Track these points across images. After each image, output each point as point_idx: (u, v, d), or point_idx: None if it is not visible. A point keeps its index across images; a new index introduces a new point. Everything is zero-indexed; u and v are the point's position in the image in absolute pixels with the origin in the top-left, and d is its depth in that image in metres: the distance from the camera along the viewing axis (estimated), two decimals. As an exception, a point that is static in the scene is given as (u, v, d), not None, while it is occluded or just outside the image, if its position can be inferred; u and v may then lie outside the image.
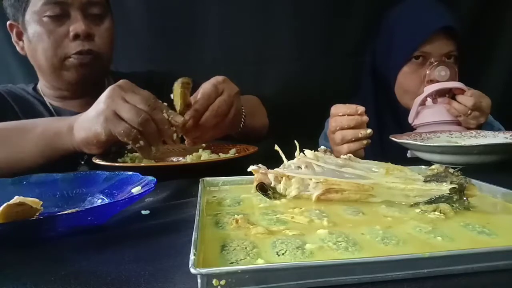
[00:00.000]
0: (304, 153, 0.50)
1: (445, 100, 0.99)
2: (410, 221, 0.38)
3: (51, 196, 0.50)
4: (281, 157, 0.51)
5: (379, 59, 1.13)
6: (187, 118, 0.70)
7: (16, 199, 0.39)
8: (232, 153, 0.81)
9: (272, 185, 0.49)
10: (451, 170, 0.45)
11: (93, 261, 0.33)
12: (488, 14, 1.34)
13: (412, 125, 1.03)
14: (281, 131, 1.35)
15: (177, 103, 0.71)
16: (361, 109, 0.78)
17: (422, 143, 0.74)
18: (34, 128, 0.74)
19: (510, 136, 0.81)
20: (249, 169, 0.50)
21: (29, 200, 0.40)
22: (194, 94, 0.74)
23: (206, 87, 0.74)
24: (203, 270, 0.25)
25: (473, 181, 0.44)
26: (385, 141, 0.82)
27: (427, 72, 1.01)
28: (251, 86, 1.39)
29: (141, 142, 0.67)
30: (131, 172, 0.52)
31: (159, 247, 0.36)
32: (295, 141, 0.51)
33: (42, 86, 0.97)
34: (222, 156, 0.80)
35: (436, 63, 1.00)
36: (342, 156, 0.51)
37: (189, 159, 0.81)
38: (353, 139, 0.78)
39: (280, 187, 0.48)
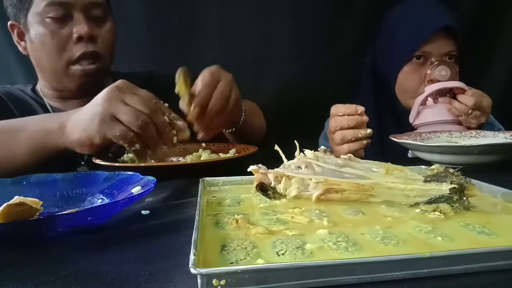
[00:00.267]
0: (304, 153, 0.50)
1: (446, 99, 0.99)
2: (410, 221, 0.38)
3: (51, 196, 0.50)
4: (281, 157, 0.51)
5: (379, 59, 1.13)
6: (193, 107, 0.70)
7: (16, 199, 0.39)
8: (232, 153, 0.81)
9: (272, 185, 0.49)
10: (451, 170, 0.45)
11: (93, 261, 0.33)
12: (488, 14, 1.34)
13: (413, 124, 1.03)
14: (281, 131, 1.35)
15: (184, 94, 0.71)
16: (361, 109, 0.78)
17: (422, 143, 0.74)
18: (25, 127, 0.73)
19: (510, 136, 0.81)
20: (249, 169, 0.50)
21: (29, 200, 0.40)
22: (193, 86, 0.73)
23: (204, 76, 0.74)
24: (203, 270, 0.25)
25: (473, 181, 0.44)
26: (385, 141, 0.82)
27: (428, 72, 1.00)
28: (251, 86, 1.39)
29: (137, 146, 0.65)
30: (131, 172, 0.52)
31: (159, 247, 0.36)
32: (295, 141, 0.51)
33: (42, 86, 0.97)
34: (222, 156, 0.80)
35: (436, 62, 1.00)
36: (342, 156, 0.51)
37: (189, 159, 0.81)
38: (353, 139, 0.78)
39: (280, 187, 0.48)
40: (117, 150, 0.81)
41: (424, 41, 1.01)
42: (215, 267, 0.26)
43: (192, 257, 0.27)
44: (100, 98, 0.66)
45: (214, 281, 0.25)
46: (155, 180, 0.47)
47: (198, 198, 0.44)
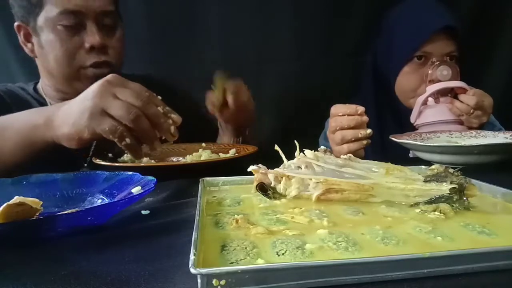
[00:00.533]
0: (304, 153, 0.50)
1: (447, 99, 0.99)
2: (410, 221, 0.38)
3: (51, 196, 0.50)
4: (281, 157, 0.51)
5: (380, 59, 1.13)
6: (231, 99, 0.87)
7: (16, 199, 0.39)
8: (232, 153, 0.81)
9: (272, 185, 0.49)
10: (451, 170, 0.45)
11: (93, 261, 0.33)
12: (488, 14, 1.34)
13: (414, 124, 1.02)
14: (281, 131, 1.35)
15: (218, 97, 0.79)
16: (361, 109, 0.78)
17: (422, 143, 0.75)
18: (12, 124, 0.72)
19: (510, 136, 0.81)
20: (249, 169, 0.50)
21: (29, 200, 0.40)
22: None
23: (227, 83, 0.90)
24: (203, 270, 0.25)
25: (473, 181, 0.44)
26: (386, 141, 0.82)
27: (429, 72, 1.00)
28: (251, 86, 1.39)
29: (127, 140, 0.63)
30: (131, 172, 0.52)
31: (159, 247, 0.36)
32: (295, 141, 0.51)
33: (44, 86, 0.96)
34: (222, 156, 0.80)
35: (437, 62, 1.00)
36: (342, 156, 0.51)
37: (189, 159, 0.81)
38: (353, 139, 0.78)
39: (280, 187, 0.48)
40: (117, 150, 0.81)
41: (425, 41, 1.01)
42: (215, 267, 0.26)
43: (192, 257, 0.27)
44: (90, 92, 0.64)
45: (214, 281, 0.25)
46: (155, 180, 0.47)
47: (198, 198, 0.44)
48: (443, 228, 0.36)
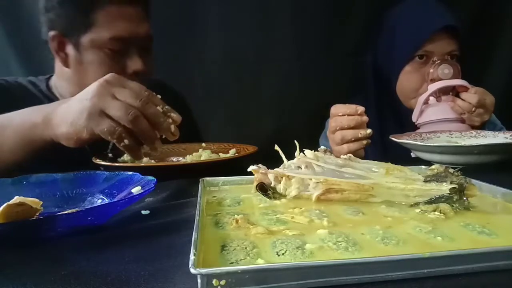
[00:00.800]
0: (304, 153, 0.50)
1: (448, 98, 0.99)
2: (410, 221, 0.38)
3: (51, 196, 0.50)
4: (281, 157, 0.51)
5: (381, 58, 1.13)
6: None
7: (16, 199, 0.39)
8: (232, 153, 0.81)
9: (272, 185, 0.49)
10: (451, 170, 0.45)
11: (93, 261, 0.33)
12: (488, 14, 1.34)
13: (416, 123, 1.02)
14: (281, 131, 1.35)
15: None
16: (361, 109, 0.78)
17: (422, 143, 0.74)
18: (10, 122, 0.71)
19: (510, 136, 0.81)
20: (249, 169, 0.50)
21: (29, 200, 0.40)
22: None
23: None
24: (203, 270, 0.25)
25: (473, 181, 0.44)
26: (387, 141, 0.82)
27: (430, 71, 1.00)
28: (251, 86, 1.39)
29: (126, 141, 0.63)
30: (131, 172, 0.52)
31: (159, 247, 0.36)
32: (295, 141, 0.51)
33: (61, 87, 0.95)
34: (222, 156, 0.80)
35: (438, 61, 1.00)
36: (342, 156, 0.51)
37: (189, 159, 0.81)
38: (353, 139, 0.78)
39: (280, 187, 0.48)
40: (117, 152, 0.81)
41: (426, 40, 1.01)
42: (215, 267, 0.26)
43: (192, 257, 0.27)
44: (89, 92, 0.64)
45: (214, 281, 0.25)
46: (155, 180, 0.47)
47: (198, 198, 0.44)
48: (443, 228, 0.36)
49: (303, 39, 1.36)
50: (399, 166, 0.48)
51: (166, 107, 0.66)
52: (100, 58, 0.86)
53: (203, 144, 0.89)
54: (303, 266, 0.27)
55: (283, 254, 0.31)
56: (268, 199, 0.47)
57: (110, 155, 0.80)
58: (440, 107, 0.99)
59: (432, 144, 0.73)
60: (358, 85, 1.22)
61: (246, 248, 0.32)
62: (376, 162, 0.50)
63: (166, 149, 0.87)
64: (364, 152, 0.82)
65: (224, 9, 1.32)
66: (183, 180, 0.63)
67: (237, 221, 0.37)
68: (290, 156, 0.51)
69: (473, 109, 0.93)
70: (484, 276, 0.28)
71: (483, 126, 0.96)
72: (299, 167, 0.49)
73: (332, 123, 0.81)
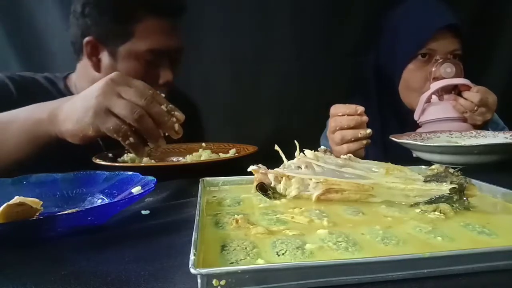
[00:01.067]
0: (304, 153, 0.50)
1: (451, 97, 0.99)
2: (410, 221, 0.38)
3: (51, 196, 0.50)
4: (281, 157, 0.51)
5: (383, 58, 1.13)
6: None
7: (16, 199, 0.39)
8: (232, 153, 0.81)
9: (272, 185, 0.49)
10: (451, 170, 0.45)
11: (93, 261, 0.33)
12: (488, 14, 1.34)
13: (418, 122, 1.02)
14: (281, 131, 1.35)
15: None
16: (360, 109, 0.78)
17: (422, 143, 0.75)
18: (15, 118, 0.72)
19: (510, 136, 0.81)
20: (249, 169, 0.50)
21: (29, 200, 0.40)
22: None
23: None
24: (203, 270, 0.25)
25: (473, 181, 0.44)
26: (388, 141, 0.82)
27: (433, 69, 1.01)
28: (251, 86, 1.39)
29: (131, 139, 0.64)
30: (131, 172, 0.52)
31: (159, 247, 0.36)
32: (295, 141, 0.51)
33: (81, 88, 0.92)
34: (222, 156, 0.80)
35: (441, 60, 1.00)
36: (342, 156, 0.51)
37: (189, 159, 0.81)
38: (352, 139, 0.78)
39: (280, 187, 0.48)
40: (117, 152, 0.81)
41: (430, 37, 1.01)
42: (215, 267, 0.26)
43: (192, 257, 0.27)
44: (94, 90, 0.65)
45: (214, 281, 0.25)
46: (155, 180, 0.47)
47: (198, 198, 0.44)
48: (443, 228, 0.36)
49: (303, 39, 1.36)
50: (399, 166, 0.48)
51: (170, 105, 0.67)
52: (135, 67, 0.88)
53: (203, 144, 0.90)
54: (303, 266, 0.27)
55: (283, 254, 0.31)
56: (268, 199, 0.47)
57: (110, 155, 0.80)
58: (442, 106, 0.99)
59: (432, 144, 0.73)
60: (358, 85, 1.22)
61: (246, 248, 0.32)
62: (376, 162, 0.50)
63: (166, 149, 0.87)
64: (364, 152, 0.82)
65: (224, 9, 1.32)
66: (183, 180, 0.63)
67: (237, 221, 0.37)
68: (290, 156, 0.51)
69: (475, 108, 0.93)
70: (484, 276, 0.28)
71: (485, 125, 0.96)
72: (299, 167, 0.49)
73: (331, 123, 0.81)
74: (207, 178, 0.56)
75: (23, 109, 0.73)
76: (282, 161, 0.51)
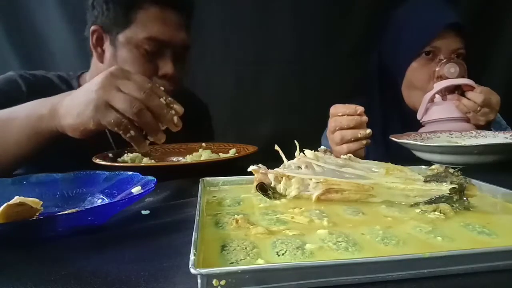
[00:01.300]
0: (304, 153, 0.50)
1: (454, 96, 0.99)
2: (410, 221, 0.38)
3: (51, 196, 0.50)
4: (281, 157, 0.51)
5: (387, 57, 1.13)
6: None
7: (16, 199, 0.39)
8: (232, 153, 0.81)
9: (272, 185, 0.49)
10: (451, 170, 0.45)
11: (93, 261, 0.33)
12: (488, 14, 1.34)
13: (421, 121, 1.02)
14: (281, 131, 1.35)
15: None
16: (360, 109, 0.78)
17: (422, 143, 0.75)
18: (17, 115, 0.72)
19: (510, 136, 0.81)
20: (249, 169, 0.50)
21: (29, 200, 0.40)
22: None
23: None
24: (203, 270, 0.25)
25: (473, 181, 0.44)
26: (391, 142, 0.82)
27: (437, 69, 1.01)
28: (251, 86, 1.39)
29: (132, 133, 0.65)
30: (131, 172, 0.52)
31: (159, 247, 0.36)
32: (295, 141, 0.51)
33: None
34: (222, 156, 0.80)
35: (445, 60, 1.00)
36: (342, 156, 0.51)
37: (189, 159, 0.81)
38: (352, 139, 0.78)
39: (280, 187, 0.48)
40: (117, 152, 0.81)
41: (436, 35, 1.01)
42: (215, 267, 0.26)
43: (192, 257, 0.27)
44: (94, 84, 0.65)
45: (214, 281, 0.25)
46: (155, 180, 0.47)
47: (198, 198, 0.44)
48: (443, 228, 0.36)
49: (303, 39, 1.36)
50: (399, 166, 0.48)
51: (169, 98, 0.67)
52: (134, 56, 0.87)
53: (203, 144, 0.90)
54: (303, 266, 0.27)
55: (283, 254, 0.31)
56: (268, 199, 0.47)
57: (110, 155, 0.80)
58: (445, 105, 0.99)
59: (432, 144, 0.73)
60: (360, 84, 1.22)
61: (246, 248, 0.32)
62: (376, 162, 0.50)
63: (166, 149, 0.87)
64: (364, 152, 0.82)
65: (224, 9, 1.32)
66: (183, 180, 0.63)
67: (237, 221, 0.37)
68: (290, 156, 0.51)
69: (478, 108, 0.93)
70: (484, 276, 0.28)
71: (488, 126, 0.96)
72: (299, 167, 0.49)
73: (331, 123, 0.81)
74: (207, 178, 0.56)
75: (24, 106, 0.73)
76: (282, 161, 0.51)
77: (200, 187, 0.51)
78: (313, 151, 0.51)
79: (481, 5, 1.35)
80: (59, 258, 0.34)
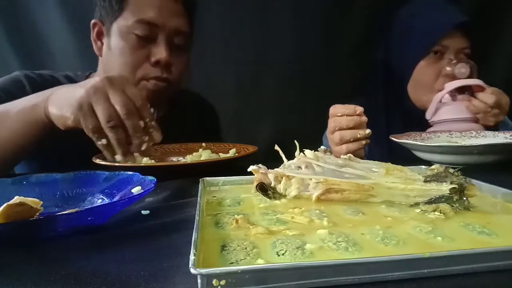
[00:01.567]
0: (304, 153, 0.50)
1: (464, 97, 0.99)
2: (410, 221, 0.39)
3: (51, 196, 0.50)
4: (281, 157, 0.51)
5: (393, 56, 1.12)
6: None
7: (16, 199, 0.39)
8: (232, 153, 0.81)
9: (272, 185, 0.49)
10: (451, 170, 0.45)
11: (93, 261, 0.33)
12: (488, 14, 1.34)
13: (430, 121, 1.02)
14: (281, 131, 1.35)
15: None
16: (359, 109, 0.78)
17: (422, 143, 0.75)
18: (13, 107, 0.72)
19: (510, 136, 0.81)
20: (249, 169, 0.50)
21: (29, 200, 0.40)
22: None
23: None
24: (203, 270, 0.25)
25: (473, 181, 0.44)
26: (393, 142, 0.82)
27: (448, 68, 1.01)
28: (251, 86, 1.39)
29: (103, 141, 0.66)
30: (131, 172, 0.52)
31: (159, 247, 0.36)
32: (295, 141, 0.51)
33: None
34: (222, 156, 0.80)
35: (455, 60, 1.01)
36: (342, 156, 0.51)
37: (189, 159, 0.81)
38: (351, 140, 0.78)
39: (280, 187, 0.48)
40: None
41: (445, 34, 1.02)
42: (215, 267, 0.26)
43: (192, 257, 0.27)
44: (88, 83, 0.66)
45: (214, 281, 0.25)
46: (155, 180, 0.47)
47: (198, 198, 0.44)
48: (443, 228, 0.36)
49: (303, 39, 1.36)
50: (399, 166, 0.48)
51: (152, 123, 0.68)
52: (125, 43, 0.86)
53: (203, 144, 0.89)
54: (303, 266, 0.27)
55: (283, 254, 0.31)
56: (268, 199, 0.47)
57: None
58: (455, 106, 0.99)
59: (432, 144, 0.73)
60: (361, 84, 1.22)
61: (246, 248, 0.32)
62: (376, 162, 0.50)
63: (166, 149, 0.87)
64: (364, 152, 0.81)
65: (224, 9, 1.32)
66: (183, 180, 0.63)
67: (237, 221, 0.37)
68: (290, 156, 0.51)
69: (489, 109, 0.93)
70: (484, 276, 0.28)
71: (497, 127, 0.96)
72: (299, 167, 0.49)
73: (331, 123, 0.81)
74: (207, 178, 0.56)
75: (21, 99, 0.74)
76: (282, 161, 0.51)
77: (200, 187, 0.51)
78: (313, 151, 0.51)
79: (481, 5, 1.35)
80: (59, 258, 0.34)
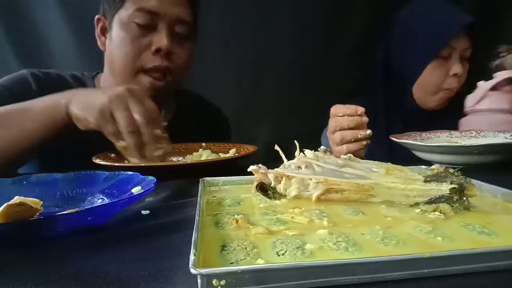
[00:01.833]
0: (304, 153, 0.50)
1: (509, 88, 0.97)
2: (410, 221, 0.39)
3: (51, 196, 0.50)
4: (281, 157, 0.51)
5: (395, 57, 1.12)
6: None
7: (16, 199, 0.39)
8: (232, 153, 0.81)
9: (272, 185, 0.49)
10: (451, 170, 0.46)
11: (93, 261, 0.33)
12: (488, 14, 1.34)
13: (471, 109, 1.00)
14: (281, 131, 1.36)
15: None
16: (360, 109, 0.78)
17: (422, 143, 0.75)
18: (37, 103, 0.74)
19: (510, 136, 0.81)
20: (249, 169, 0.50)
21: (29, 200, 0.40)
22: None
23: None
24: (203, 270, 0.25)
25: (473, 181, 0.44)
26: (394, 142, 0.81)
27: (498, 60, 1.01)
28: (251, 86, 1.40)
29: (122, 143, 0.68)
30: (131, 172, 0.52)
31: (159, 247, 0.36)
32: (295, 141, 0.51)
33: (105, 82, 0.96)
34: (222, 156, 0.80)
35: (505, 52, 1.01)
36: (342, 156, 0.51)
37: (189, 159, 0.81)
38: (352, 140, 0.78)
39: (280, 187, 0.48)
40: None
41: (454, 35, 1.02)
42: (215, 267, 0.26)
43: (192, 257, 0.27)
44: (111, 90, 0.68)
45: (214, 281, 0.25)
46: (155, 180, 0.47)
47: (198, 198, 0.44)
48: (443, 228, 0.36)
49: (303, 39, 1.36)
50: (399, 166, 0.48)
51: (164, 135, 0.70)
52: (126, 32, 0.86)
53: (203, 144, 0.89)
54: (303, 266, 0.27)
55: (283, 254, 0.31)
56: (268, 199, 0.47)
57: (112, 155, 0.80)
58: (499, 96, 0.97)
59: (432, 144, 0.73)
60: (359, 85, 1.22)
61: (246, 248, 0.32)
62: (376, 162, 0.50)
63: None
64: (364, 153, 0.81)
65: (224, 9, 1.32)
66: (183, 180, 0.63)
67: (237, 221, 0.37)
68: (290, 156, 0.51)
69: None
70: (484, 276, 0.28)
71: None
72: (299, 167, 0.49)
73: (331, 123, 0.81)
74: (207, 178, 0.56)
75: (43, 97, 0.75)
76: (282, 161, 0.51)
77: (200, 187, 0.51)
78: (313, 151, 0.51)
79: (481, 5, 1.35)
80: (59, 258, 0.34)
